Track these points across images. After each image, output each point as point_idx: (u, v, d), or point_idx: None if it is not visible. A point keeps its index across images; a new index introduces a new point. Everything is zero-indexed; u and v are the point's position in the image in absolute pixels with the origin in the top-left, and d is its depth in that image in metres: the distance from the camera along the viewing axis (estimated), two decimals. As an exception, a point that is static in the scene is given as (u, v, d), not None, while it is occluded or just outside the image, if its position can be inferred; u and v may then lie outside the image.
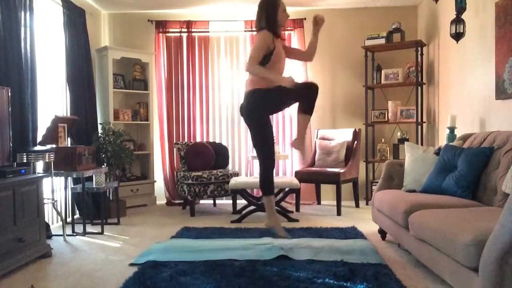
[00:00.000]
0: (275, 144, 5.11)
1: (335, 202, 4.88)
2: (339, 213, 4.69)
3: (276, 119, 5.59)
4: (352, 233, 3.74)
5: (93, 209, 4.49)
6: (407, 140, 5.23)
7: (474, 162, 2.99)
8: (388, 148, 5.37)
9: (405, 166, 3.57)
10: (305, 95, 3.34)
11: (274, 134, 5.41)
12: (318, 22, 3.50)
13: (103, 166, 4.39)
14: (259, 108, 3.32)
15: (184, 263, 2.90)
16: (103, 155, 4.63)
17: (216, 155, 5.25)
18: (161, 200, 5.68)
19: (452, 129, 4.04)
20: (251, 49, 3.34)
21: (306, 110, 3.36)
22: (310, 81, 3.43)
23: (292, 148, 5.57)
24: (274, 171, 5.37)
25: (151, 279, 2.57)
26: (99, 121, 5.06)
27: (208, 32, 5.63)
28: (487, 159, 2.98)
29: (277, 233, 3.38)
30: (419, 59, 5.13)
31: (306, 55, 3.69)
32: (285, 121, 5.64)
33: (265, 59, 3.28)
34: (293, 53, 3.68)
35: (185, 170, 5.02)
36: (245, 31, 5.59)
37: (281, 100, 3.39)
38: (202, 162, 5.11)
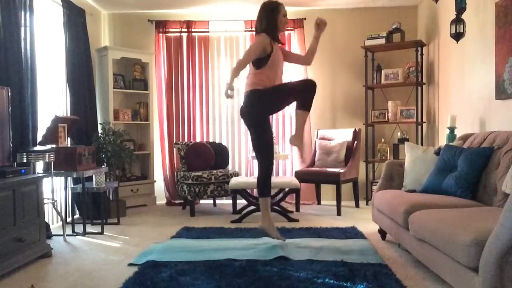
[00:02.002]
0: (275, 144, 5.14)
1: (335, 202, 4.88)
2: (339, 213, 4.69)
3: (276, 119, 5.59)
4: (352, 233, 3.74)
5: (93, 209, 4.48)
6: (407, 140, 5.23)
7: (474, 162, 2.99)
8: (388, 148, 5.37)
9: (405, 166, 3.57)
10: (303, 92, 3.32)
11: (274, 134, 5.42)
12: (320, 25, 3.48)
13: (103, 166, 4.39)
14: (259, 109, 3.31)
15: (184, 263, 2.90)
16: (103, 155, 4.63)
17: (216, 155, 5.26)
18: (161, 200, 5.68)
19: (452, 129, 4.04)
20: (249, 47, 3.33)
21: (304, 105, 3.34)
22: (307, 78, 3.42)
23: (292, 146, 5.58)
24: (274, 171, 5.42)
25: (151, 279, 2.57)
26: (99, 121, 5.06)
27: (208, 32, 5.63)
28: (487, 159, 2.97)
29: (271, 235, 3.36)
30: (419, 59, 5.13)
31: (305, 59, 3.69)
32: (285, 121, 5.63)
33: (262, 62, 3.26)
34: (291, 57, 3.67)
35: (185, 170, 5.02)
36: (245, 31, 5.59)
37: (280, 99, 3.39)
38: (202, 162, 5.11)
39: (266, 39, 3.27)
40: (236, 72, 3.19)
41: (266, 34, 3.28)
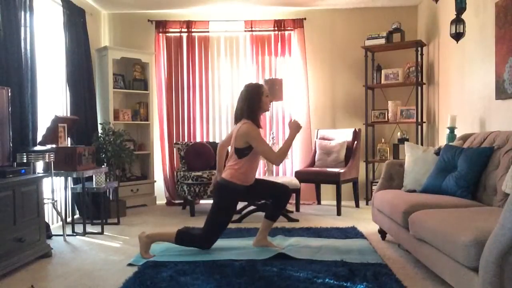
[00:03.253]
0: (275, 144, 5.15)
1: (335, 202, 4.88)
2: (339, 213, 4.69)
3: (276, 119, 5.59)
4: (352, 233, 3.74)
5: (93, 209, 4.48)
6: (407, 140, 5.23)
7: (474, 162, 2.99)
8: (388, 148, 5.37)
9: (405, 166, 3.57)
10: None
11: (274, 134, 5.42)
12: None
13: (103, 166, 4.39)
14: (230, 199, 3.20)
15: (184, 263, 2.90)
16: (103, 155, 4.63)
17: (216, 155, 5.24)
18: (161, 200, 5.68)
19: (452, 129, 4.04)
20: (258, 144, 3.11)
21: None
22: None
23: (293, 147, 5.58)
24: (274, 171, 5.41)
25: (151, 279, 2.57)
26: (99, 121, 5.06)
27: (208, 32, 5.63)
28: (487, 159, 2.98)
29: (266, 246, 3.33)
30: (419, 59, 5.13)
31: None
32: (285, 121, 5.63)
33: (246, 151, 3.14)
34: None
35: (185, 170, 5.02)
36: (245, 31, 5.59)
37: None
38: (202, 162, 5.11)
39: (258, 129, 3.18)
40: (284, 147, 3.16)
41: (253, 123, 3.16)
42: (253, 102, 3.21)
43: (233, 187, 3.14)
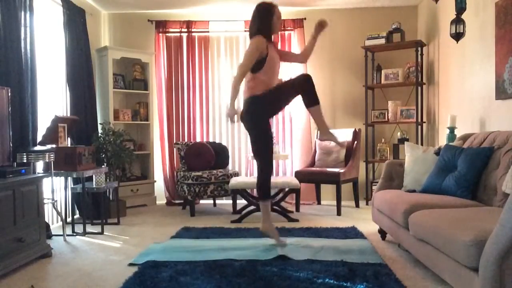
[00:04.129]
0: (275, 144, 5.14)
1: (335, 202, 4.88)
2: (339, 213, 4.69)
3: (275, 118, 5.59)
4: (352, 233, 3.74)
5: (93, 209, 4.48)
6: (407, 140, 5.23)
7: (474, 162, 2.99)
8: (388, 148, 5.37)
9: (405, 166, 3.57)
10: (301, 90, 3.28)
11: (274, 134, 5.42)
12: (323, 25, 3.45)
13: (103, 166, 4.39)
14: (259, 115, 3.27)
15: (184, 263, 2.90)
16: (103, 155, 4.63)
17: (216, 155, 5.25)
18: (161, 200, 5.68)
19: (452, 129, 4.04)
20: (244, 55, 3.26)
21: (311, 101, 3.29)
22: (301, 74, 3.34)
23: (292, 146, 5.58)
24: (274, 171, 5.42)
25: (151, 279, 2.57)
26: (99, 121, 5.06)
27: (208, 32, 5.63)
28: (487, 159, 2.97)
29: (272, 237, 3.35)
30: (419, 59, 5.13)
31: (301, 57, 3.66)
32: (285, 121, 5.63)
33: (259, 64, 3.23)
34: (287, 56, 3.66)
35: (185, 170, 5.02)
36: (245, 31, 5.59)
37: (279, 102, 3.37)
38: (202, 162, 5.11)
39: (263, 41, 3.25)
40: (238, 82, 3.17)
41: (261, 36, 3.26)
42: (263, 21, 3.27)
43: (256, 100, 3.20)
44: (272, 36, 3.39)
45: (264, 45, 3.25)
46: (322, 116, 3.33)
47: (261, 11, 3.32)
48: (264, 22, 3.29)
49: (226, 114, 3.24)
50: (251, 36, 3.34)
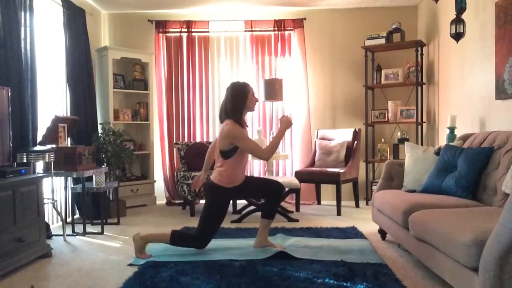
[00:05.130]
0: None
1: (335, 202, 4.88)
2: (339, 213, 4.69)
3: (276, 119, 5.58)
4: (352, 233, 3.74)
5: (93, 209, 4.48)
6: (407, 140, 5.23)
7: (474, 162, 2.99)
8: (388, 148, 5.37)
9: (405, 166, 3.57)
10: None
11: (274, 134, 5.41)
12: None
13: (103, 166, 4.39)
14: (222, 202, 3.17)
15: (184, 263, 2.90)
16: (103, 155, 4.63)
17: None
18: (161, 200, 5.68)
19: (452, 129, 4.04)
20: (244, 144, 3.06)
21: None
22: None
23: (292, 146, 5.58)
24: (274, 171, 5.41)
25: (151, 279, 2.57)
26: (99, 121, 5.06)
27: (208, 32, 5.62)
28: (487, 159, 2.97)
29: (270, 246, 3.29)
30: (419, 59, 5.13)
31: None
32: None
33: (231, 153, 3.09)
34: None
35: (185, 170, 5.02)
36: (245, 31, 5.59)
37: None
38: (202, 162, 5.08)
39: (242, 129, 3.12)
40: (271, 143, 3.13)
41: (236, 123, 3.09)
42: (239, 102, 3.13)
43: (221, 191, 3.12)
44: (244, 120, 3.21)
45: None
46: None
47: (235, 93, 3.14)
48: (239, 104, 3.11)
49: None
50: (225, 117, 3.16)
